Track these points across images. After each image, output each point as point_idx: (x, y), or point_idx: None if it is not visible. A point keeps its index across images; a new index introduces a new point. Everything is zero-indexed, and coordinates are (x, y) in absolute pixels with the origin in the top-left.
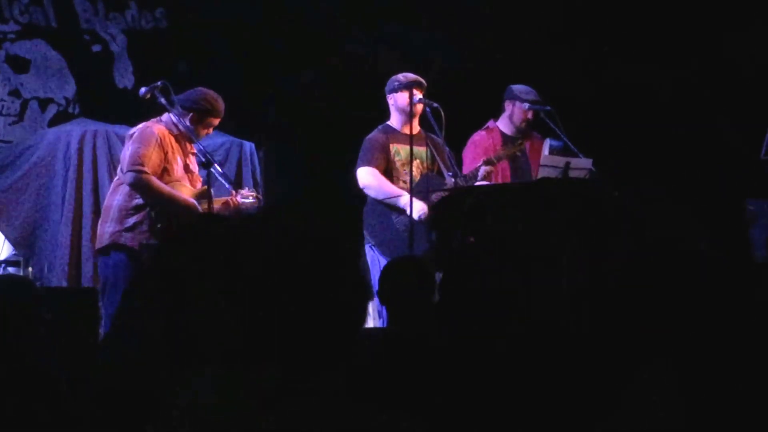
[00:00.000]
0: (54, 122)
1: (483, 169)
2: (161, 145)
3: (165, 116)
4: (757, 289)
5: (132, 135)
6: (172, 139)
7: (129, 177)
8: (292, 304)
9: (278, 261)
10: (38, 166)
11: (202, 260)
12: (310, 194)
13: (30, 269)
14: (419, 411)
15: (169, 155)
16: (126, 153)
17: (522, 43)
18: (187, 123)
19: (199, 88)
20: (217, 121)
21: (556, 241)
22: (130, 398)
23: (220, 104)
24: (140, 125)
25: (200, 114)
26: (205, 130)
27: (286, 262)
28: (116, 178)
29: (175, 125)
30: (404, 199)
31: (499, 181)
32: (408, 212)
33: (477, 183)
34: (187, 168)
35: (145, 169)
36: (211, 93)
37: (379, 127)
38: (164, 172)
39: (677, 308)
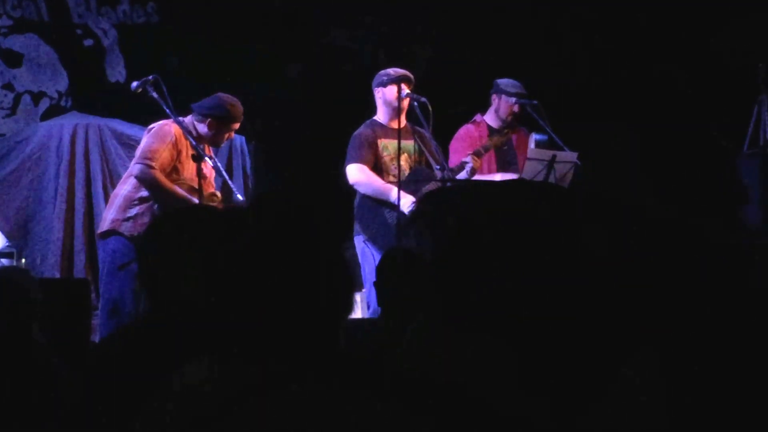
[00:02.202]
0: (47, 116)
1: (470, 163)
2: (175, 145)
3: (188, 117)
4: (749, 275)
5: (150, 129)
6: (188, 142)
7: (136, 169)
8: (276, 295)
9: (262, 252)
10: (31, 159)
11: (186, 252)
12: (300, 187)
13: (23, 261)
14: (411, 402)
15: (183, 156)
16: (140, 145)
17: (510, 37)
18: (206, 129)
19: (218, 94)
20: (236, 126)
21: (534, 240)
22: (122, 387)
23: (238, 109)
24: (161, 121)
25: (218, 120)
26: (226, 135)
27: (270, 253)
28: (129, 169)
29: (192, 131)
30: (394, 193)
31: (485, 173)
32: (398, 207)
33: (463, 176)
34: (200, 172)
35: (153, 164)
36: (229, 99)
37: (366, 122)
38: (173, 172)
39: (662, 299)
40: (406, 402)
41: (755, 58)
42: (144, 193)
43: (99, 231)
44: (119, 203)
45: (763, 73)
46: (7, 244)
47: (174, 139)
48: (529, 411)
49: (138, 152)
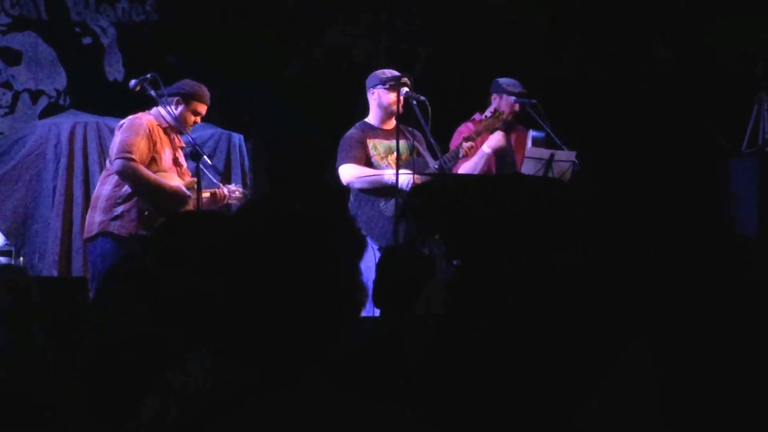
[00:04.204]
0: (45, 114)
1: (464, 146)
2: (149, 136)
3: (154, 109)
4: (742, 271)
5: (121, 125)
6: (161, 131)
7: (117, 165)
8: (274, 295)
9: (265, 252)
10: (29, 157)
11: (192, 252)
12: (298, 185)
13: (21, 259)
14: (410, 401)
15: (158, 146)
16: (115, 142)
17: (507, 35)
18: (175, 110)
19: (184, 79)
20: (203, 108)
21: (526, 233)
22: (120, 383)
23: (205, 91)
24: (130, 116)
25: (186, 98)
26: (194, 118)
27: (268, 253)
28: (106, 169)
29: (164, 117)
30: (388, 172)
31: (484, 171)
32: (395, 187)
33: (459, 161)
34: (176, 161)
35: (133, 156)
36: (195, 82)
37: (356, 124)
38: (152, 162)
39: (654, 292)
40: (406, 402)
41: (754, 56)
42: (126, 190)
43: (87, 235)
44: (103, 204)
45: (762, 71)
46: (6, 242)
47: (147, 130)
48: (528, 409)
49: (114, 149)
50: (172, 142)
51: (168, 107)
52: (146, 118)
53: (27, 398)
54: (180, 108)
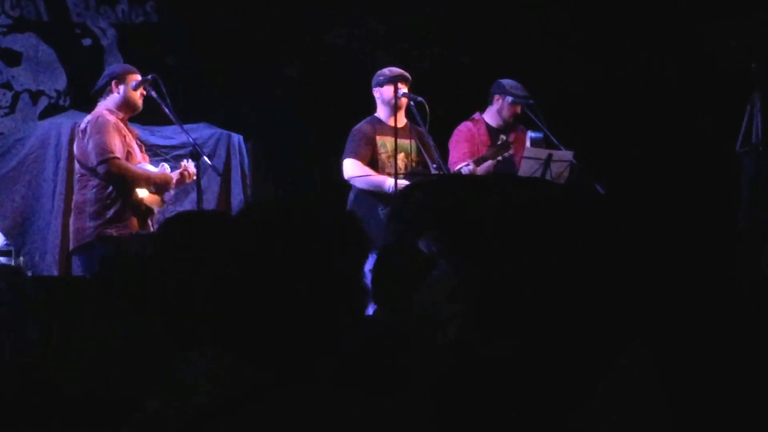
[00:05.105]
0: (45, 114)
1: (470, 166)
2: (119, 130)
3: (100, 105)
4: (739, 267)
5: (85, 129)
6: (120, 123)
7: (103, 168)
8: (282, 294)
9: (268, 252)
10: (29, 157)
11: (195, 252)
12: (299, 186)
13: (21, 258)
14: (411, 399)
15: (128, 139)
16: (88, 146)
17: (507, 36)
18: (118, 95)
19: (105, 71)
20: (138, 76)
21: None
22: (122, 382)
23: (128, 65)
24: (88, 118)
25: (119, 76)
26: (137, 92)
27: (275, 253)
28: (79, 174)
29: (116, 108)
30: (389, 181)
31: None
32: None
33: None
34: (140, 148)
35: (116, 155)
36: (115, 65)
37: (367, 118)
38: (128, 156)
39: (655, 293)
40: (408, 401)
41: (749, 57)
42: (111, 190)
43: (79, 243)
44: (92, 209)
45: (756, 72)
46: (6, 242)
47: (115, 125)
48: (528, 408)
49: (92, 152)
50: (130, 131)
51: (109, 100)
52: (107, 113)
53: (24, 399)
54: (122, 89)
